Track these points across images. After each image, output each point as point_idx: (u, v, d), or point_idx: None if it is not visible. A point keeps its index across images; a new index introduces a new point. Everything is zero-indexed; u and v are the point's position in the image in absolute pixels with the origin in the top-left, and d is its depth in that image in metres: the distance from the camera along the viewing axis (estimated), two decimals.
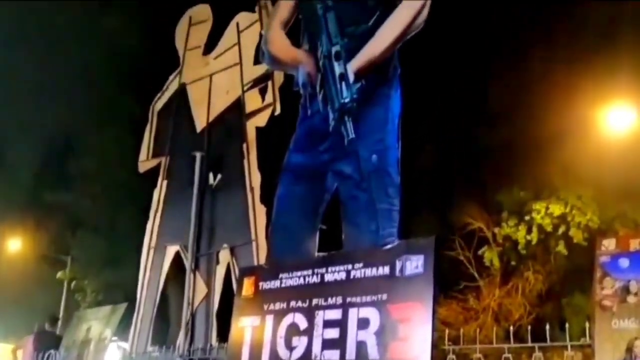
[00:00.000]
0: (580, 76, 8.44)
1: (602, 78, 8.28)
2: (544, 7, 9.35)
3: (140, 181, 7.73)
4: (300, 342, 2.12)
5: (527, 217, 9.47)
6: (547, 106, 8.78)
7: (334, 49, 2.35)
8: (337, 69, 2.32)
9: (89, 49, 11.07)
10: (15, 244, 13.83)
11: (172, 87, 7.26)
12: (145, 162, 7.24)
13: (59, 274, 12.98)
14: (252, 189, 5.97)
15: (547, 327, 3.07)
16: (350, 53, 2.36)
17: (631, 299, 3.15)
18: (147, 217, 6.93)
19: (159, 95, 7.37)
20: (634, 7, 8.39)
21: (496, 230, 9.88)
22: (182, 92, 7.10)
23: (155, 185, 7.01)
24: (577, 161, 8.67)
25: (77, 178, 12.36)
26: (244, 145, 6.17)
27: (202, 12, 7.20)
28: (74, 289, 12.77)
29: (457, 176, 10.28)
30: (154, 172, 7.11)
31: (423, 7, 2.43)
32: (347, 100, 2.28)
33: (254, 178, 6.01)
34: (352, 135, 2.28)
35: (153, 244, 6.75)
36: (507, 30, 9.52)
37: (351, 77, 2.32)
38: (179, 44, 7.34)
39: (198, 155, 6.46)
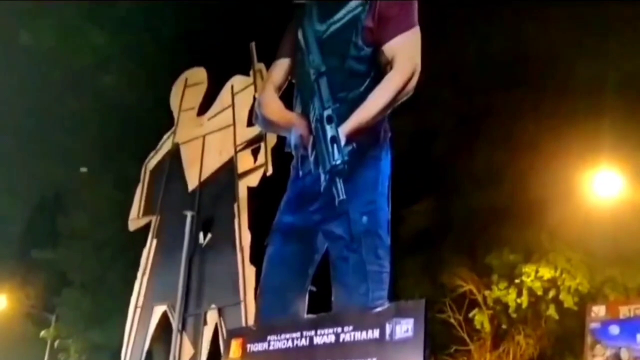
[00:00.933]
0: (568, 140, 8.59)
1: (588, 142, 8.43)
2: (530, 71, 9.60)
3: (130, 239, 7.67)
4: None
5: (517, 280, 9.41)
6: (536, 169, 8.88)
7: (326, 113, 2.39)
8: (329, 131, 2.35)
9: (84, 106, 11.19)
10: (1, 301, 13.53)
11: (165, 146, 7.31)
12: (135, 220, 7.19)
13: (43, 333, 12.66)
14: (242, 248, 5.93)
15: None
16: (341, 117, 2.40)
17: None
18: (135, 276, 6.84)
19: (152, 154, 7.41)
20: (619, 71, 8.64)
21: (487, 293, 9.79)
22: (175, 151, 7.14)
23: (144, 244, 6.94)
24: (566, 225, 8.70)
25: (66, 235, 12.24)
26: (235, 205, 6.17)
27: (198, 75, 7.35)
28: (58, 349, 12.42)
29: (447, 238, 10.27)
30: (144, 231, 7.06)
31: (413, 74, 2.49)
32: (338, 162, 2.30)
33: (244, 238, 5.98)
34: (343, 196, 2.29)
35: (140, 303, 6.63)
36: (494, 94, 9.74)
37: (343, 140, 2.35)
38: (174, 104, 7.45)
39: (189, 214, 6.44)
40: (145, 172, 7.36)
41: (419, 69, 2.51)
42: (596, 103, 8.70)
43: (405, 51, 2.49)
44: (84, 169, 11.60)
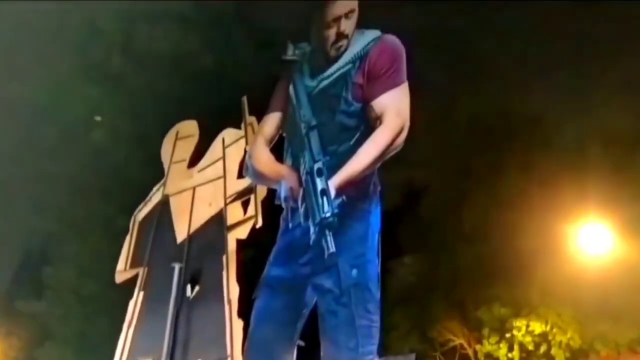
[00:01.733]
0: (555, 197, 8.68)
1: (575, 199, 8.52)
2: (518, 130, 9.77)
3: (116, 292, 7.53)
4: None
5: (508, 335, 9.30)
6: (524, 225, 8.92)
7: (316, 166, 2.40)
8: (319, 184, 2.36)
9: (75, 159, 11.19)
10: None
11: (155, 198, 7.28)
12: (122, 273, 7.08)
13: None
14: (229, 301, 5.83)
15: None
16: (332, 170, 2.42)
17: None
18: (119, 330, 6.68)
19: (141, 205, 7.37)
20: (603, 129, 8.82)
21: (477, 347, 9.66)
22: (165, 203, 7.11)
23: (131, 297, 6.81)
24: (555, 279, 8.69)
25: (52, 286, 12.01)
26: (224, 258, 6.10)
27: (190, 128, 7.40)
28: None
29: (437, 292, 10.19)
30: (131, 283, 6.94)
31: (402, 129, 2.53)
32: (328, 214, 2.30)
33: (232, 291, 5.89)
34: (332, 249, 2.28)
35: (125, 357, 6.45)
36: (483, 152, 9.87)
37: (332, 193, 2.35)
38: (165, 156, 7.46)
39: (177, 266, 6.36)
40: (134, 224, 7.29)
41: (407, 124, 2.55)
42: (581, 161, 8.84)
43: (394, 107, 2.53)
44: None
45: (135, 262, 7.01)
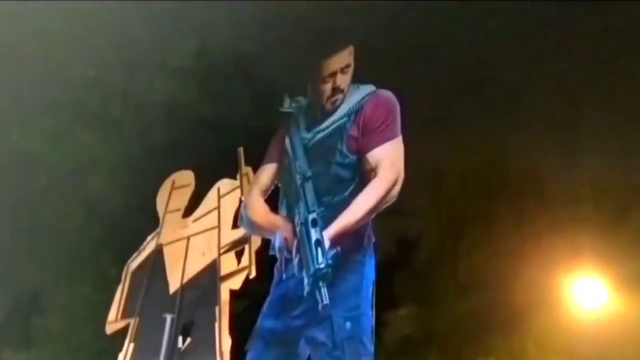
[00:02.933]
0: (550, 247, 8.67)
1: (570, 250, 8.51)
2: (512, 180, 9.84)
3: (107, 343, 7.38)
4: None
5: None
6: (519, 276, 8.88)
7: (311, 217, 2.42)
8: (314, 235, 2.37)
9: (69, 207, 11.16)
10: None
11: (149, 247, 7.21)
12: (113, 324, 6.94)
13: None
14: (221, 354, 5.71)
15: None
16: (326, 221, 2.43)
17: None
18: None
19: (135, 255, 7.30)
20: (599, 182, 8.89)
21: None
22: (158, 252, 7.05)
23: (121, 349, 6.67)
24: (551, 332, 8.59)
25: (41, 336, 11.76)
26: (216, 309, 6.01)
27: (186, 177, 7.40)
28: None
29: (431, 344, 10.04)
30: (121, 334, 6.81)
31: (396, 181, 2.55)
32: (322, 265, 2.30)
33: (225, 343, 5.77)
34: (326, 300, 2.27)
35: None
36: (476, 201, 9.91)
37: (327, 244, 2.36)
38: (160, 205, 7.43)
39: (168, 317, 6.25)
40: (126, 273, 7.20)
41: (402, 176, 2.58)
42: (577, 211, 8.88)
43: (388, 159, 2.56)
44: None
45: (126, 313, 6.89)
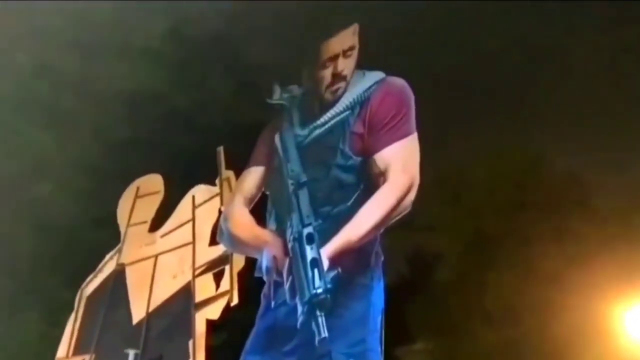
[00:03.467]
0: (596, 271, 8.68)
1: (621, 274, 8.53)
2: (551, 190, 9.86)
3: None
4: None
5: None
6: (558, 304, 8.90)
7: (306, 231, 2.42)
8: (309, 253, 2.37)
9: (13, 216, 11.15)
10: None
11: (107, 268, 7.21)
12: None
13: None
14: None
15: None
16: (325, 236, 2.43)
17: None
18: None
19: (90, 277, 7.30)
20: None
21: None
22: (119, 274, 7.05)
23: None
24: None
25: None
26: (190, 343, 6.01)
27: (153, 183, 7.41)
28: None
29: None
30: None
31: (410, 188, 2.55)
32: (319, 290, 2.29)
33: None
34: (324, 333, 2.26)
35: None
36: (508, 215, 9.93)
37: (325, 264, 2.36)
38: (122, 217, 7.44)
39: (131, 353, 6.25)
40: (80, 300, 7.21)
41: (417, 182, 2.58)
42: (630, 226, 8.89)
43: (400, 161, 2.57)
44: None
45: (80, 348, 6.89)
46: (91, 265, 7.41)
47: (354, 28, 2.71)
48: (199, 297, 6.23)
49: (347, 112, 2.66)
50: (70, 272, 8.53)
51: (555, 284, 9.07)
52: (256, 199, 2.84)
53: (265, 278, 2.59)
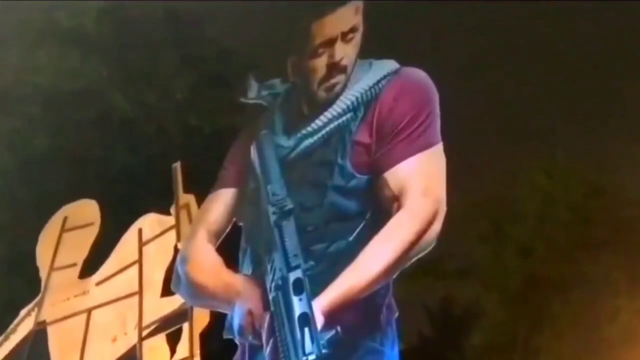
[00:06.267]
0: None
1: None
2: (622, 214, 9.93)
3: None
4: None
5: None
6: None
7: (293, 276, 2.43)
8: (297, 307, 2.38)
9: None
10: None
11: (23, 327, 7.21)
12: None
13: None
14: None
15: None
16: (318, 283, 2.44)
17: None
18: None
19: (1, 338, 7.29)
20: None
21: None
22: (38, 334, 7.04)
23: None
24: None
25: None
26: None
27: (85, 212, 7.40)
28: None
29: None
30: None
31: (434, 217, 2.55)
32: (311, 358, 2.30)
33: None
34: None
35: None
36: (566, 251, 9.98)
37: (319, 321, 2.36)
38: (42, 258, 7.43)
39: None
40: None
41: (443, 209, 2.59)
42: None
43: (420, 181, 2.58)
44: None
45: None
46: (1, 323, 7.40)
47: (357, 4, 2.72)
48: None
49: (348, 115, 2.67)
50: None
51: (632, 350, 9.11)
52: (225, 233, 2.85)
53: (237, 340, 2.59)
